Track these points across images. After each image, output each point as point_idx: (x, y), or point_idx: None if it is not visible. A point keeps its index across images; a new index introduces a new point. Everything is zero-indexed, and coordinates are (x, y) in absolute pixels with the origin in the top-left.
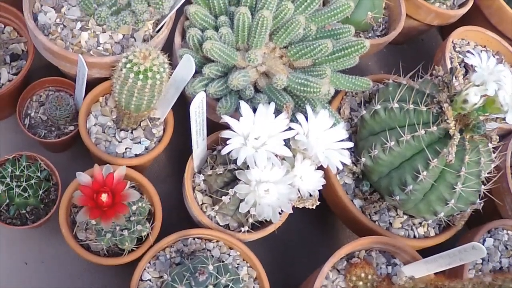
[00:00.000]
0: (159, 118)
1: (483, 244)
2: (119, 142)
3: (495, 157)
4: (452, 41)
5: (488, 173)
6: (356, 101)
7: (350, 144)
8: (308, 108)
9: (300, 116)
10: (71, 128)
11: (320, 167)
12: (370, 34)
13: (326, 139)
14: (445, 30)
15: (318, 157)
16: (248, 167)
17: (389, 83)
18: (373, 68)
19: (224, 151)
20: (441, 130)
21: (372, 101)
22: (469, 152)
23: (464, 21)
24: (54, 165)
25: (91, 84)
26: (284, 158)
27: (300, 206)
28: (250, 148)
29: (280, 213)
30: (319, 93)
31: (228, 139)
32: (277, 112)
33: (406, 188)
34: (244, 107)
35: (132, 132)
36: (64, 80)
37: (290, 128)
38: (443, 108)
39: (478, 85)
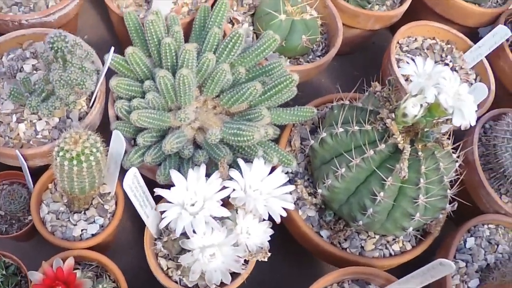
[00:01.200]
0: (109, 193)
1: (464, 246)
2: (74, 225)
3: (458, 156)
4: (398, 42)
5: (456, 173)
6: (307, 129)
7: (291, 188)
8: (241, 162)
9: (233, 173)
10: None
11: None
12: (310, 57)
13: (266, 188)
14: (395, 26)
15: (258, 210)
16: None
17: (333, 106)
18: (327, 84)
19: (162, 225)
20: (390, 146)
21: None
22: (424, 162)
23: (410, 16)
24: (21, 255)
25: (40, 172)
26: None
27: (253, 260)
28: (188, 216)
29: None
30: (252, 140)
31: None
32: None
33: (367, 212)
34: (174, 175)
35: (85, 213)
36: (15, 172)
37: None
38: (387, 124)
39: (416, 95)
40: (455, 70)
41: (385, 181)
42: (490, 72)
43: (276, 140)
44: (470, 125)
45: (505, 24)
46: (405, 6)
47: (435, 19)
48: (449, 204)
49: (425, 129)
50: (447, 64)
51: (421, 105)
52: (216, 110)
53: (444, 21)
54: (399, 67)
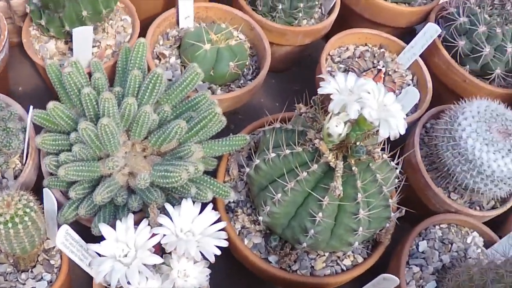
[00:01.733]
0: (54, 247)
1: (417, 250)
2: (23, 284)
3: (398, 162)
4: (329, 54)
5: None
6: (244, 156)
7: (223, 225)
8: (168, 207)
9: (162, 219)
10: None
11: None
12: (241, 82)
13: (198, 228)
14: (330, 36)
15: (189, 253)
16: None
17: (265, 130)
18: (267, 103)
19: (97, 280)
20: (322, 166)
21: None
22: (359, 176)
23: (342, 24)
24: None
25: None
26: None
27: None
28: (121, 268)
29: None
30: (181, 181)
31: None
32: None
33: (309, 234)
34: (103, 228)
35: (32, 271)
36: None
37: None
38: (316, 145)
39: (339, 113)
40: (389, 74)
41: (322, 201)
42: (426, 71)
43: (215, 171)
44: (400, 134)
45: (436, 21)
46: (333, 17)
47: (367, 25)
48: (397, 210)
49: (356, 143)
50: (380, 70)
51: (345, 123)
52: (146, 152)
53: (376, 25)
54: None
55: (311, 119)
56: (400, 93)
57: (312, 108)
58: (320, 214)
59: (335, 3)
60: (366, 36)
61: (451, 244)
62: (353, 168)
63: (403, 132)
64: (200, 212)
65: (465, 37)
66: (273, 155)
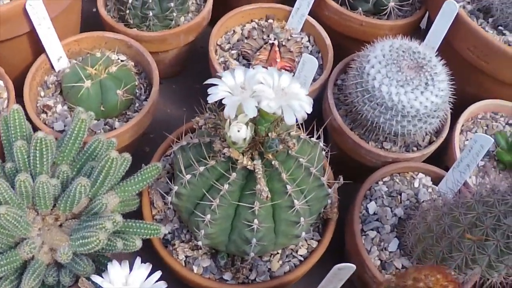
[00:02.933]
0: None
1: (367, 213)
2: None
3: (319, 136)
4: (217, 44)
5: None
6: (164, 181)
7: (158, 275)
8: (96, 278)
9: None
10: None
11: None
12: (137, 105)
13: (133, 285)
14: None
15: None
16: None
17: (174, 151)
18: (174, 112)
19: None
20: (241, 171)
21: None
22: (282, 168)
23: (225, 4)
24: None
25: None
26: None
27: None
28: None
29: None
30: (101, 244)
31: None
32: None
33: (252, 243)
34: None
35: None
36: None
37: None
38: (226, 154)
39: (237, 116)
40: (283, 45)
41: (253, 207)
42: (320, 28)
43: (139, 208)
44: (307, 113)
45: None
46: (209, 4)
47: (252, 2)
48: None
49: (268, 136)
50: (273, 44)
51: (247, 124)
52: (60, 220)
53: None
54: (226, 69)
55: (213, 128)
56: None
57: (212, 114)
58: (256, 221)
59: None
60: (249, 13)
61: (400, 195)
62: (273, 162)
63: (309, 110)
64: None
65: None
66: (188, 177)
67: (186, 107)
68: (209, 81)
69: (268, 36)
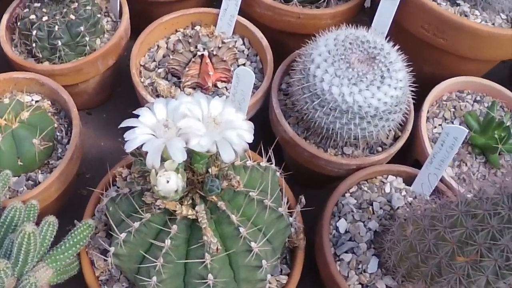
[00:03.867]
0: None
1: (338, 233)
2: None
3: (269, 159)
4: (140, 65)
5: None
6: (102, 236)
7: None
8: None
9: None
10: None
11: None
12: (60, 151)
13: None
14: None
15: None
16: None
17: (106, 204)
18: (110, 145)
19: None
20: (183, 222)
21: None
22: (231, 209)
23: (146, 18)
24: None
25: None
26: None
27: None
28: None
29: None
30: None
31: None
32: None
33: None
34: None
35: None
36: None
37: None
38: (160, 206)
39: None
40: (215, 55)
41: (205, 259)
42: (254, 28)
43: (80, 270)
44: (248, 142)
45: None
46: (125, 20)
47: (172, 7)
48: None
49: (208, 174)
50: (202, 55)
51: (177, 170)
52: None
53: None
54: (157, 96)
55: (141, 178)
56: (238, 66)
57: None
58: (210, 276)
59: (120, 2)
60: (172, 23)
61: (371, 205)
62: (219, 204)
63: (250, 139)
64: None
65: None
66: (123, 235)
67: (122, 137)
68: (124, 123)
69: (196, 47)
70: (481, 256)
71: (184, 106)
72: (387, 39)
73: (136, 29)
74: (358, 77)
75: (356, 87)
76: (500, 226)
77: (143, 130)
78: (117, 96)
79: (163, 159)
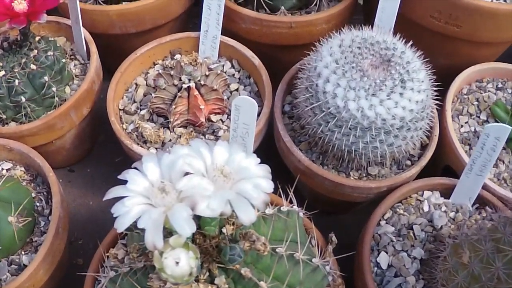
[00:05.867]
0: None
1: (381, 269)
2: None
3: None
4: (117, 118)
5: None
6: None
7: None
8: None
9: None
10: None
11: None
12: (42, 224)
13: None
14: None
15: None
16: None
17: (107, 285)
18: (99, 204)
19: None
20: None
21: None
22: (258, 274)
23: (120, 53)
24: None
25: None
26: None
27: None
28: None
29: None
30: None
31: None
32: None
33: None
34: None
35: None
36: None
37: None
38: None
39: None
40: (203, 85)
41: None
42: (241, 46)
43: None
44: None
45: None
46: (94, 64)
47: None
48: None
49: (222, 239)
50: (189, 88)
51: (187, 246)
52: None
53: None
54: (144, 142)
55: (142, 256)
56: (231, 95)
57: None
58: None
59: (86, 42)
60: (148, 55)
61: (411, 229)
62: (243, 271)
63: (270, 188)
64: None
65: None
66: None
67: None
68: (109, 194)
69: (180, 79)
70: None
71: (182, 160)
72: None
73: (110, 68)
74: (376, 86)
75: (376, 98)
76: None
77: (135, 200)
78: (100, 147)
79: (166, 232)
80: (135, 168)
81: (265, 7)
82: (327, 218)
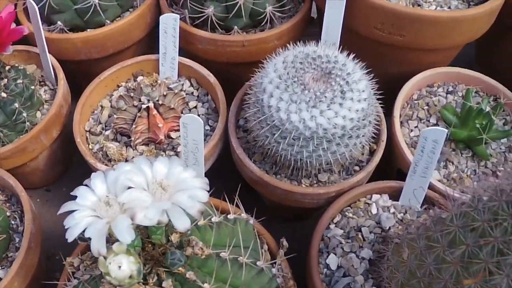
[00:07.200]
0: None
1: (330, 270)
2: None
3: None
4: (83, 139)
5: None
6: None
7: None
8: None
9: None
10: None
11: None
12: (17, 240)
13: None
14: None
15: None
16: None
17: None
18: None
19: None
20: None
21: None
22: (203, 277)
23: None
24: None
25: None
26: None
27: None
28: None
29: None
30: None
31: None
32: None
33: None
34: None
35: None
36: None
37: None
38: None
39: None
40: (161, 104)
41: None
42: (198, 65)
43: None
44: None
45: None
46: (62, 89)
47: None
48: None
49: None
50: (148, 108)
51: (129, 252)
52: None
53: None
54: (109, 161)
55: (95, 264)
56: (190, 112)
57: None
58: None
59: (54, 69)
60: (111, 79)
61: (360, 231)
62: (187, 275)
63: (205, 198)
64: None
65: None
66: None
67: None
68: (63, 209)
69: (140, 100)
70: (490, 274)
71: (123, 176)
72: (341, 49)
73: (80, 92)
74: (317, 98)
75: (317, 109)
76: (505, 238)
77: (84, 213)
78: (74, 166)
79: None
80: (86, 185)
81: (218, 27)
82: (294, 225)
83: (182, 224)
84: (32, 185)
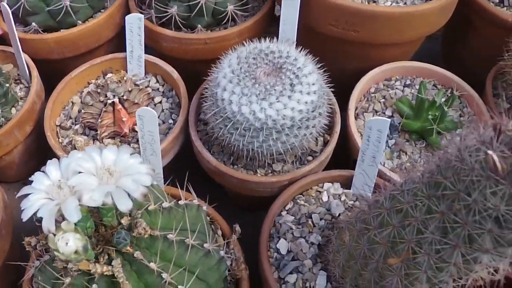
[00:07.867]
0: None
1: (280, 254)
2: None
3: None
4: (53, 134)
5: None
6: None
7: None
8: None
9: None
10: None
11: None
12: None
13: None
14: None
15: None
16: None
17: (35, 273)
18: None
19: None
20: (103, 280)
21: None
22: (149, 257)
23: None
24: None
25: None
26: None
27: None
28: None
29: None
30: None
31: None
32: None
33: None
34: None
35: None
36: None
37: None
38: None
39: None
40: (126, 99)
41: None
42: (162, 62)
43: None
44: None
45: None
46: (35, 87)
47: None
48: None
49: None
50: (113, 103)
51: (76, 230)
52: None
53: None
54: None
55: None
56: (155, 107)
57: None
58: None
59: (28, 67)
60: (82, 76)
61: (310, 218)
62: (135, 254)
63: (149, 182)
64: None
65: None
66: None
67: None
68: (20, 192)
69: (106, 95)
70: (413, 253)
71: (75, 163)
72: (300, 46)
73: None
74: (266, 91)
75: (266, 102)
76: (422, 217)
77: (38, 196)
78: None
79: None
80: (42, 171)
81: (182, 27)
82: (260, 214)
83: (124, 205)
84: (8, 178)
